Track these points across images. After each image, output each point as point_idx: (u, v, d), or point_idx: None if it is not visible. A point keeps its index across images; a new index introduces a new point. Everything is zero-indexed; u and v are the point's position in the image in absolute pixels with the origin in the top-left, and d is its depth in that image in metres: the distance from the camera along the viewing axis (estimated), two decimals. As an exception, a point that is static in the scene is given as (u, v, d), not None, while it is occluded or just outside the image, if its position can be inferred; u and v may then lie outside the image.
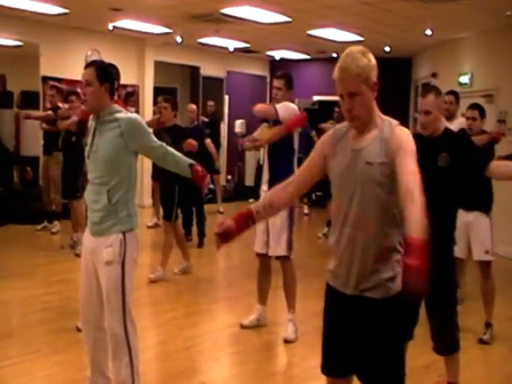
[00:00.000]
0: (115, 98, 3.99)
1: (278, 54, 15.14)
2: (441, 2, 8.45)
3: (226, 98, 15.67)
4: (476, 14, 9.10)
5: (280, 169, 5.42)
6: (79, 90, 11.20)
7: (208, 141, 10.32)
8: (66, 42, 11.86)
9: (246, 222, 3.00)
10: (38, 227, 10.03)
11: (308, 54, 14.68)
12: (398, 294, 2.74)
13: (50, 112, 9.23)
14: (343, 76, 2.70)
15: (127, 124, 3.71)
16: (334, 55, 13.71)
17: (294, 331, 5.48)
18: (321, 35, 11.54)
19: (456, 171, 3.95)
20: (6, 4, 9.65)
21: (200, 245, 9.41)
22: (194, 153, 9.32)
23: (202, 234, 9.48)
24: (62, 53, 11.83)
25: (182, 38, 12.16)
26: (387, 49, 12.14)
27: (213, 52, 14.58)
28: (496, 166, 4.05)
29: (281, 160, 5.44)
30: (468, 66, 10.84)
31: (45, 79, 11.59)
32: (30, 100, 11.68)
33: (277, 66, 15.32)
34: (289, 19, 10.16)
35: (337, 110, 10.45)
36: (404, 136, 2.70)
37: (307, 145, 7.33)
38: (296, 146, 5.53)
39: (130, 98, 13.05)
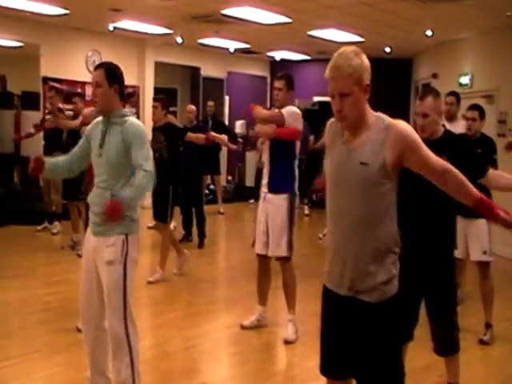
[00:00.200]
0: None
1: (278, 55, 15.14)
2: (441, 3, 8.46)
3: (227, 98, 15.68)
4: (476, 15, 9.10)
5: (280, 173, 5.42)
6: (80, 91, 11.29)
7: (212, 133, 10.16)
8: (66, 42, 11.86)
9: None
10: (39, 228, 10.04)
11: (308, 55, 14.68)
12: (393, 297, 2.74)
13: (35, 129, 9.26)
14: (335, 75, 2.67)
15: (128, 130, 3.73)
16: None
17: (294, 332, 5.48)
18: (321, 36, 11.55)
19: None
20: (7, 5, 9.66)
21: (200, 245, 9.41)
22: (195, 153, 9.40)
23: (202, 235, 9.47)
24: (63, 53, 11.84)
25: (182, 38, 12.17)
26: (387, 49, 12.15)
27: (213, 53, 14.59)
28: (494, 175, 3.98)
29: (282, 164, 5.44)
30: (468, 66, 10.84)
31: (45, 80, 11.60)
32: (30, 101, 11.68)
33: (277, 67, 15.33)
34: (289, 20, 10.17)
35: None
36: (407, 132, 2.69)
37: (304, 147, 7.32)
38: (297, 152, 5.54)
39: (130, 98, 13.06)
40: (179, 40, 12.24)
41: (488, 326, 5.60)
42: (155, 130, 7.34)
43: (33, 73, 11.65)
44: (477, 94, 9.90)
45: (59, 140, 8.95)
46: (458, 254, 4.32)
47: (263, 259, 5.65)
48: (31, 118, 10.82)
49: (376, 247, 2.71)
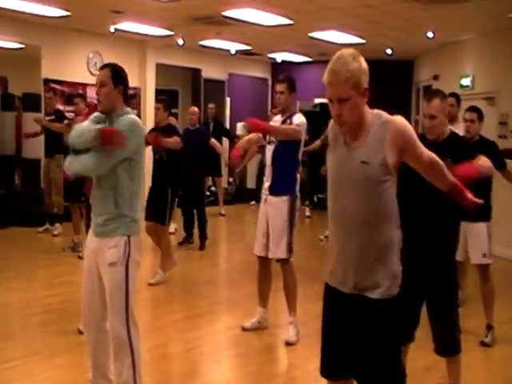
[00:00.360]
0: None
1: (279, 57, 15.14)
2: (442, 5, 8.45)
3: (228, 100, 15.68)
4: (478, 17, 9.10)
5: (282, 176, 5.41)
6: (81, 92, 11.30)
7: (212, 140, 10.24)
8: (67, 44, 11.87)
9: None
10: (40, 229, 10.05)
11: (309, 57, 14.67)
12: (396, 296, 2.75)
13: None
14: (332, 80, 2.65)
15: (122, 123, 3.71)
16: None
17: (295, 333, 5.48)
18: (322, 37, 11.55)
19: None
20: (8, 6, 9.67)
21: (201, 247, 9.40)
22: (196, 155, 9.41)
23: (203, 237, 9.46)
24: (64, 55, 11.84)
25: (183, 40, 12.17)
26: (389, 51, 12.15)
27: (214, 54, 14.60)
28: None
29: (284, 168, 5.44)
30: (469, 68, 10.84)
31: (46, 81, 11.60)
32: (31, 102, 11.69)
33: (278, 69, 15.33)
34: (290, 21, 10.17)
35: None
36: (405, 129, 2.71)
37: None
38: (300, 155, 5.54)
39: (132, 100, 13.06)
40: (180, 42, 12.25)
41: (489, 327, 5.59)
42: (156, 130, 7.33)
43: (34, 74, 11.65)
44: (478, 96, 9.90)
45: (60, 142, 8.96)
46: (458, 256, 4.31)
47: (264, 261, 5.65)
48: (32, 119, 10.81)
49: (378, 245, 2.72)
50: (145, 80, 13.45)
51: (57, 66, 11.74)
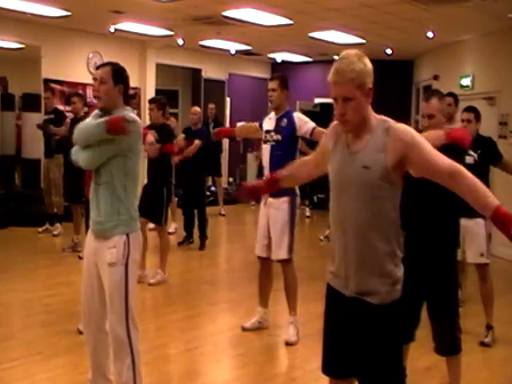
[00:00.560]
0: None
1: (279, 57, 15.14)
2: (442, 5, 8.45)
3: (228, 100, 15.68)
4: (478, 17, 9.10)
5: None
6: (81, 92, 11.29)
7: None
8: (67, 44, 11.87)
9: (274, 184, 3.32)
10: (40, 229, 10.05)
11: (309, 57, 14.67)
12: (397, 300, 2.75)
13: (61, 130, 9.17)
14: (337, 79, 2.68)
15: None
16: (336, 57, 13.67)
17: (296, 334, 5.48)
18: (322, 37, 11.55)
19: None
20: (8, 6, 9.67)
21: (201, 247, 9.40)
22: (197, 155, 9.40)
23: (203, 237, 9.46)
24: (64, 55, 11.85)
25: (183, 40, 12.17)
26: (389, 51, 12.15)
27: (214, 54, 14.60)
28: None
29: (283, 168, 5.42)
30: (469, 68, 10.84)
31: (46, 82, 11.60)
32: (31, 102, 11.68)
33: (278, 69, 15.32)
34: (290, 22, 10.17)
35: (336, 113, 10.45)
36: (407, 134, 2.68)
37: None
38: (298, 151, 5.53)
39: (132, 100, 13.06)
40: (180, 42, 12.25)
41: (489, 327, 5.59)
42: (150, 129, 7.29)
43: (34, 74, 11.65)
44: (478, 96, 9.90)
45: (60, 143, 8.96)
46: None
47: (265, 261, 5.65)
48: (32, 119, 10.81)
49: (379, 251, 2.72)
50: (145, 80, 13.45)
51: (57, 66, 11.74)
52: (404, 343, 3.83)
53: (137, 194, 3.90)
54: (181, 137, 9.54)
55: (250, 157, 15.13)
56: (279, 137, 5.44)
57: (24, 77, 12.58)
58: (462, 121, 5.64)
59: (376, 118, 2.75)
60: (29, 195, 11.01)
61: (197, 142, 9.18)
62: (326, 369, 2.95)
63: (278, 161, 5.35)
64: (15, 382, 4.47)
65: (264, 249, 5.56)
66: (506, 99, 9.59)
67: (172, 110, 12.15)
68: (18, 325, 5.94)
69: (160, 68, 13.85)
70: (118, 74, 3.80)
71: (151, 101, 7.65)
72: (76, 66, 12.05)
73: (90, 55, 12.28)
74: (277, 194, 5.41)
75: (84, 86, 11.93)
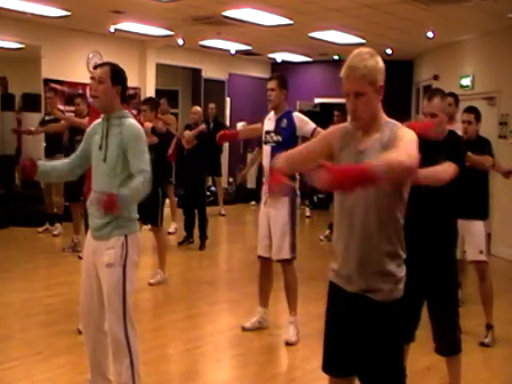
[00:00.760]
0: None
1: (279, 57, 15.14)
2: (442, 5, 8.45)
3: (228, 100, 15.68)
4: (478, 17, 9.10)
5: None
6: (81, 92, 11.29)
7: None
8: (67, 44, 11.88)
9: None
10: (40, 229, 10.05)
11: (309, 57, 14.67)
12: (399, 299, 2.76)
13: (59, 125, 9.14)
14: (349, 74, 2.71)
15: (127, 132, 3.72)
16: (336, 57, 13.73)
17: (296, 334, 5.48)
18: (322, 37, 11.56)
19: (457, 177, 3.93)
20: (8, 6, 9.67)
21: (201, 247, 9.40)
22: (198, 155, 9.41)
23: (203, 237, 9.46)
24: (64, 55, 11.85)
25: (183, 40, 12.17)
26: (389, 51, 12.14)
27: (214, 54, 14.60)
28: None
29: None
30: (469, 68, 10.84)
31: (46, 82, 11.60)
32: (31, 102, 11.68)
33: (278, 69, 15.31)
34: (290, 22, 10.17)
35: (337, 113, 10.44)
36: (407, 133, 2.70)
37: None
38: None
39: (132, 100, 13.06)
40: (180, 42, 12.25)
41: (489, 327, 5.59)
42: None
43: (34, 74, 11.65)
44: (478, 96, 9.91)
45: (60, 142, 8.97)
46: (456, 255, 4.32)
47: (265, 261, 5.66)
48: (32, 119, 10.81)
49: (383, 251, 2.74)
50: (145, 80, 13.44)
51: (57, 66, 11.74)
52: (404, 343, 3.83)
53: None
54: (186, 133, 9.51)
55: (250, 157, 15.11)
56: (279, 138, 5.44)
57: (24, 77, 12.58)
58: (463, 122, 5.63)
59: (385, 119, 2.79)
60: (29, 195, 11.00)
61: (202, 126, 9.08)
62: (327, 367, 2.96)
63: None
64: (15, 382, 4.47)
65: (266, 249, 5.56)
66: (506, 99, 9.59)
67: (172, 110, 12.14)
68: (17, 325, 5.94)
69: (160, 68, 13.85)
70: (117, 75, 3.80)
71: (144, 102, 7.62)
72: (76, 66, 12.04)
73: (90, 55, 12.28)
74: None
75: (84, 86, 11.89)
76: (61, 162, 4.08)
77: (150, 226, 7.88)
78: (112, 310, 3.71)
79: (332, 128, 3.00)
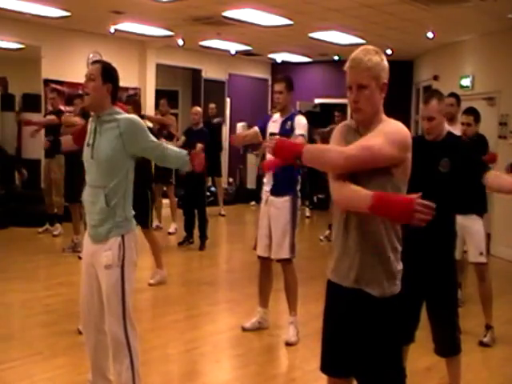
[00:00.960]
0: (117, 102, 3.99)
1: (279, 57, 15.15)
2: (442, 5, 8.46)
3: (228, 100, 15.68)
4: (478, 17, 9.10)
5: (283, 177, 5.40)
6: (81, 92, 11.30)
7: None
8: (67, 44, 11.88)
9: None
10: (40, 230, 10.05)
11: (309, 57, 14.68)
12: (397, 295, 2.76)
13: (53, 117, 9.19)
14: (354, 66, 2.74)
15: (126, 124, 3.70)
16: (336, 58, 13.74)
17: (296, 334, 5.48)
18: (322, 38, 11.56)
19: (456, 177, 3.93)
20: (8, 7, 9.67)
21: (202, 247, 9.40)
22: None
23: (203, 237, 9.46)
24: (64, 55, 11.86)
25: (183, 40, 12.18)
26: (389, 51, 12.14)
27: (214, 55, 14.61)
28: (495, 176, 4.00)
29: (286, 169, 5.43)
30: (469, 68, 10.84)
31: (46, 82, 11.61)
32: (31, 103, 11.69)
33: (278, 69, 15.33)
34: (290, 22, 10.17)
35: (337, 114, 10.44)
36: (387, 125, 2.74)
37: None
38: None
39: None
40: (180, 42, 12.26)
41: (488, 327, 5.59)
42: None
43: (34, 75, 11.66)
44: (478, 96, 9.91)
45: (60, 143, 8.94)
46: (456, 255, 4.32)
47: (265, 261, 5.66)
48: (33, 120, 10.80)
49: (380, 243, 2.75)
50: (145, 80, 13.44)
51: (57, 67, 11.75)
52: (404, 344, 3.84)
53: (131, 195, 3.89)
54: (181, 140, 9.52)
55: (250, 157, 15.13)
56: None
57: (24, 77, 12.59)
58: (462, 124, 5.63)
59: (385, 118, 2.81)
60: (29, 195, 11.02)
61: (199, 145, 9.00)
62: (325, 367, 2.96)
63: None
64: (15, 381, 4.47)
65: (266, 248, 5.57)
66: (506, 99, 9.60)
67: (172, 111, 12.15)
68: (17, 325, 5.95)
69: (160, 68, 13.85)
70: (108, 73, 3.79)
71: (127, 102, 7.53)
72: (76, 67, 12.03)
73: (90, 55, 12.27)
74: (278, 192, 5.43)
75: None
76: None
77: (154, 226, 7.90)
78: (111, 311, 3.71)
79: (336, 128, 3.00)
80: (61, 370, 4.70)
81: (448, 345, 4.05)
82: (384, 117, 2.81)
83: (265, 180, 5.61)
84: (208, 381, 4.84)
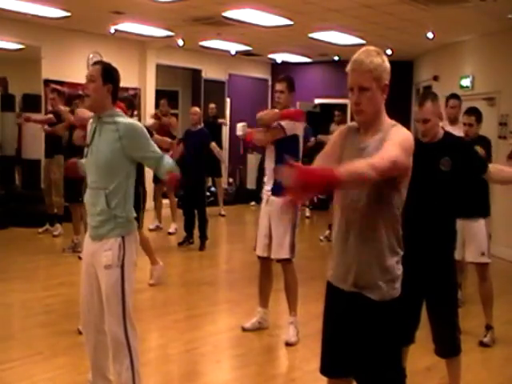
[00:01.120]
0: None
1: (279, 57, 15.14)
2: (442, 5, 8.46)
3: (228, 100, 15.68)
4: (477, 17, 9.10)
5: None
6: (81, 93, 11.30)
7: (213, 144, 10.26)
8: (67, 44, 11.88)
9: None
10: (40, 230, 10.05)
11: (309, 57, 14.68)
12: (396, 298, 2.76)
13: (51, 116, 9.23)
14: (355, 67, 2.73)
15: (126, 129, 3.70)
16: (336, 58, 13.74)
17: (296, 334, 5.48)
18: (322, 38, 11.56)
19: (458, 175, 3.93)
20: (8, 7, 9.67)
21: (201, 248, 9.40)
22: (197, 156, 9.41)
23: (203, 237, 9.46)
24: (64, 56, 11.85)
25: (183, 40, 12.18)
26: (389, 52, 12.13)
27: (214, 55, 14.60)
28: (498, 170, 4.08)
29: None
30: (469, 68, 10.85)
31: (46, 82, 11.61)
32: (31, 103, 11.68)
33: (278, 69, 15.33)
34: (290, 22, 10.17)
35: (337, 113, 10.44)
36: (398, 132, 2.72)
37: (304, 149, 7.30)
38: (301, 152, 5.54)
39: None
40: (180, 42, 12.25)
41: (488, 327, 5.58)
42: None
43: (34, 75, 11.66)
44: (478, 97, 9.91)
45: (60, 143, 8.96)
46: (456, 255, 4.31)
47: (265, 262, 5.66)
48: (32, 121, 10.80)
49: (380, 247, 2.74)
50: (145, 81, 13.44)
51: (57, 67, 11.74)
52: (404, 345, 3.84)
53: (132, 195, 3.89)
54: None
55: (250, 157, 15.13)
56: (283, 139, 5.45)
57: (24, 77, 12.58)
58: (464, 124, 5.61)
59: (388, 120, 2.81)
60: (29, 195, 11.02)
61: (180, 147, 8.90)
62: (324, 369, 2.96)
63: (282, 160, 5.37)
64: (15, 382, 4.47)
65: (265, 248, 5.57)
66: (506, 100, 9.60)
67: (172, 111, 12.15)
68: (18, 325, 5.95)
69: (160, 68, 13.85)
70: (108, 73, 3.80)
71: (120, 100, 7.50)
72: (76, 67, 12.03)
73: (91, 56, 12.26)
74: (279, 192, 5.42)
75: (84, 86, 11.90)
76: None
77: (151, 227, 7.91)
78: (111, 311, 3.71)
79: (339, 129, 3.01)
80: (61, 370, 4.71)
81: (448, 345, 4.05)
82: (386, 118, 2.81)
83: (265, 180, 5.62)
84: (208, 381, 4.85)
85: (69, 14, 10.18)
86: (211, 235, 9.78)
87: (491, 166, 4.09)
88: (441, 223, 3.94)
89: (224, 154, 10.96)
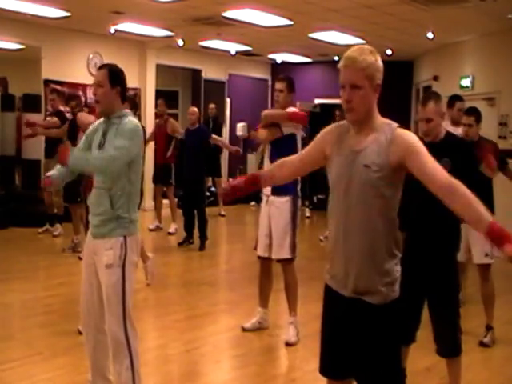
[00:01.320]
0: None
1: (279, 57, 15.15)
2: (442, 5, 8.46)
3: (228, 100, 15.68)
4: (477, 17, 9.11)
5: None
6: (81, 93, 11.32)
7: (213, 136, 10.20)
8: (67, 45, 11.88)
9: (252, 184, 3.13)
10: (40, 230, 10.05)
11: (309, 57, 14.68)
12: (396, 300, 2.75)
13: (55, 119, 9.17)
14: (348, 64, 2.70)
15: (120, 128, 3.71)
16: (336, 58, 13.74)
17: (296, 334, 5.47)
18: (322, 38, 11.57)
19: (458, 176, 3.92)
20: (8, 7, 9.67)
21: (201, 248, 9.40)
22: (197, 155, 9.42)
23: (203, 237, 9.46)
24: (64, 56, 11.85)
25: (183, 41, 12.18)
26: (389, 52, 12.15)
27: (214, 55, 14.60)
28: None
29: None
30: (469, 69, 10.85)
31: (46, 82, 11.60)
32: (31, 103, 11.69)
33: (278, 69, 15.34)
34: (290, 22, 10.18)
35: (338, 113, 10.44)
36: (409, 138, 2.69)
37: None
38: (299, 150, 5.52)
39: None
40: (180, 42, 12.26)
41: (489, 328, 5.58)
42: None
43: (34, 75, 11.65)
44: (478, 97, 9.91)
45: (60, 143, 8.95)
46: (459, 257, 4.31)
47: (265, 261, 5.66)
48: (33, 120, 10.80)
49: (378, 250, 2.72)
50: (145, 81, 13.44)
51: (57, 67, 11.74)
52: (405, 344, 3.84)
53: (137, 197, 3.90)
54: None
55: (250, 157, 15.12)
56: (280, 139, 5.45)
57: (24, 77, 12.58)
58: (464, 125, 5.60)
59: (381, 119, 2.77)
60: (29, 195, 11.02)
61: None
62: (324, 370, 2.95)
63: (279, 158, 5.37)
64: (15, 382, 4.47)
65: (266, 248, 5.56)
66: (506, 100, 9.60)
67: (172, 111, 12.16)
68: (17, 325, 5.95)
69: (160, 69, 13.85)
70: (115, 76, 3.80)
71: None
72: (76, 67, 12.05)
73: (90, 56, 12.28)
74: (279, 192, 5.42)
75: (84, 86, 11.93)
76: (59, 166, 4.01)
77: (151, 227, 7.90)
78: (111, 311, 3.71)
79: (323, 131, 2.97)
80: (61, 370, 4.70)
81: (449, 345, 4.05)
82: (379, 117, 2.77)
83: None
84: (208, 381, 4.84)
85: (69, 14, 10.19)
86: (211, 235, 9.78)
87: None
88: (443, 223, 3.93)
89: (225, 146, 10.88)
